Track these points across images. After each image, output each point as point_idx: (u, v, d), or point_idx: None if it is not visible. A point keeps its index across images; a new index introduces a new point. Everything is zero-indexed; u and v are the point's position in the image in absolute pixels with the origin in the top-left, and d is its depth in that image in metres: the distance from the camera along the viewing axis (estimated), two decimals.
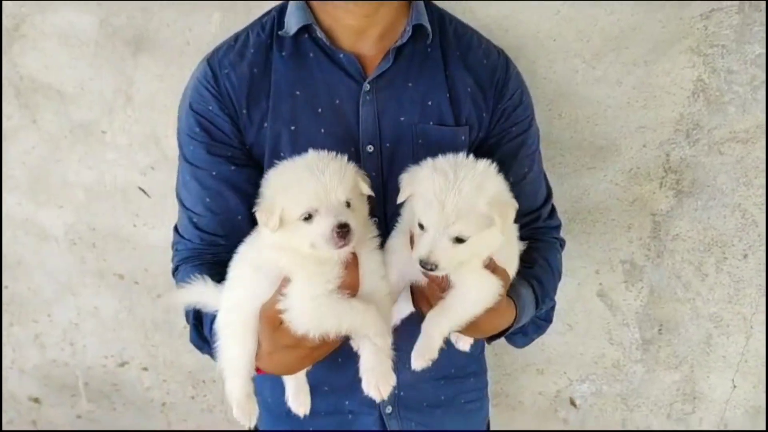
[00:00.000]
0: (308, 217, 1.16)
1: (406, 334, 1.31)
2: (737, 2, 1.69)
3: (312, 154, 1.22)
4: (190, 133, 1.42)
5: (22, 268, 2.34)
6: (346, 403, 1.53)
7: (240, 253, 1.31)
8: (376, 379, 1.23)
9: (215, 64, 1.40)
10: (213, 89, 1.39)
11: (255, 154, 1.41)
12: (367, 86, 1.39)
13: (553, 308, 1.57)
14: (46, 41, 1.97)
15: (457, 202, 1.12)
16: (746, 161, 1.82)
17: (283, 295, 1.20)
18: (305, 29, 1.40)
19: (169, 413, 2.55)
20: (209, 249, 1.44)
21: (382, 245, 1.31)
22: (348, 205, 1.19)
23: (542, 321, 1.57)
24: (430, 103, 1.42)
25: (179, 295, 1.37)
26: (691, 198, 1.89)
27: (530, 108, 1.54)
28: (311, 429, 1.56)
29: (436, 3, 1.52)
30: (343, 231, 1.14)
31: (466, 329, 1.28)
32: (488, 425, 1.78)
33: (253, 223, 1.28)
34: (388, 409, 1.53)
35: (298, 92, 1.39)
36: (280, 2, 1.46)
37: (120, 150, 2.08)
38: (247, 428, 1.34)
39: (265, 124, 1.38)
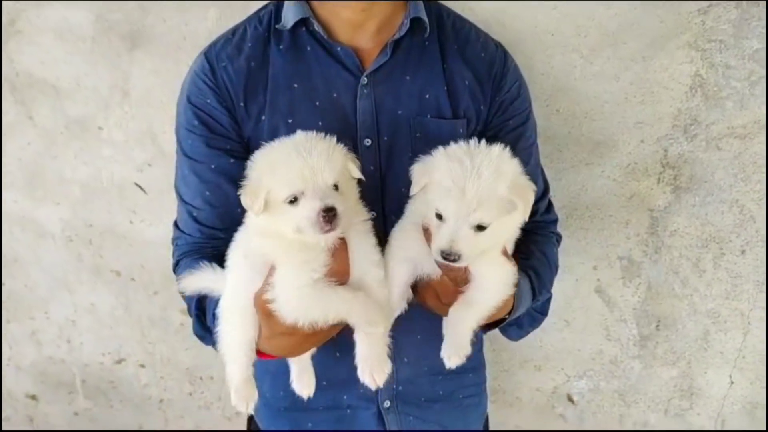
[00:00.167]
0: (294, 200, 1.13)
1: (403, 329, 1.31)
2: None
3: (300, 135, 1.19)
4: (188, 126, 1.41)
5: (18, 265, 2.34)
6: (345, 397, 1.53)
7: (236, 239, 1.31)
8: (371, 367, 1.22)
9: (213, 57, 1.40)
10: (210, 82, 1.39)
11: (252, 148, 1.40)
12: (364, 80, 1.39)
13: (549, 300, 1.57)
14: (42, 37, 1.96)
15: (478, 188, 1.09)
16: (744, 157, 1.82)
17: (269, 285, 1.18)
18: (302, 23, 1.39)
19: (167, 410, 2.55)
20: (209, 242, 1.44)
21: (385, 238, 1.30)
22: (336, 188, 1.15)
23: (538, 313, 1.57)
24: (427, 96, 1.42)
25: (190, 281, 1.36)
26: (688, 194, 1.89)
27: (528, 101, 1.54)
28: (310, 424, 1.56)
29: None
30: (329, 215, 1.11)
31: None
32: (487, 420, 1.78)
33: None
34: (387, 404, 1.53)
35: (295, 85, 1.39)
36: None
37: (116, 146, 2.07)
38: (244, 413, 1.32)
39: (263, 118, 1.38)
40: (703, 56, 1.75)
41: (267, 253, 1.20)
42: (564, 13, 1.75)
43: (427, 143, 1.31)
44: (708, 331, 2.05)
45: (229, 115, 1.39)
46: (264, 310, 1.20)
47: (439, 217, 1.14)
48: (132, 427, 2.60)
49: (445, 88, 1.42)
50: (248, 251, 1.25)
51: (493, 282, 1.22)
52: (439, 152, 1.18)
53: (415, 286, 1.31)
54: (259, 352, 1.31)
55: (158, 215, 2.14)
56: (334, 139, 1.19)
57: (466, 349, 1.23)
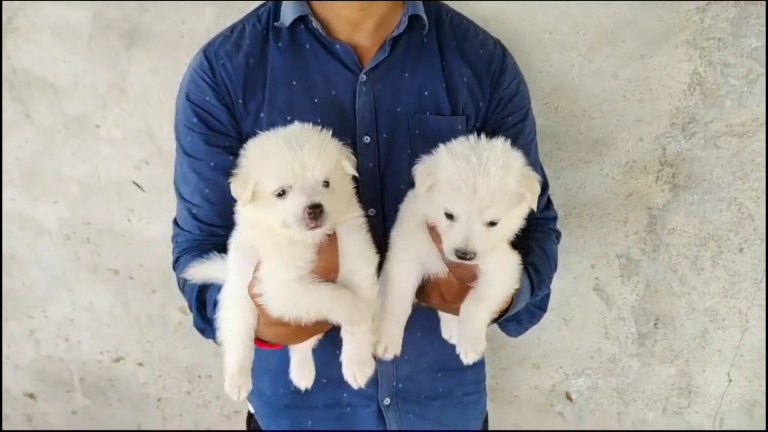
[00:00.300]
0: (282, 193, 1.12)
1: (404, 328, 1.31)
2: None
3: (295, 127, 1.17)
4: (187, 123, 1.41)
5: (16, 263, 2.33)
6: (344, 395, 1.53)
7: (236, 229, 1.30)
8: (353, 367, 1.21)
9: (211, 54, 1.40)
10: (209, 79, 1.39)
11: None
12: (363, 77, 1.39)
13: (547, 296, 1.57)
14: (40, 34, 1.95)
15: (489, 184, 1.09)
16: (742, 155, 1.82)
17: (256, 279, 1.18)
18: (301, 20, 1.39)
19: (165, 409, 2.55)
20: (209, 239, 1.44)
21: (384, 235, 1.30)
22: (327, 184, 1.13)
23: (537, 309, 1.57)
24: (426, 93, 1.41)
25: (198, 270, 1.36)
26: (687, 192, 1.89)
27: (527, 98, 1.54)
28: (310, 421, 1.56)
29: None
30: (315, 212, 1.09)
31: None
32: (486, 418, 1.78)
33: None
34: (387, 401, 1.53)
35: (294, 82, 1.39)
36: None
37: (114, 144, 2.07)
38: (243, 412, 1.32)
39: (261, 115, 1.38)
40: (701, 54, 1.75)
41: (254, 245, 1.19)
42: (562, 11, 1.75)
43: (426, 140, 1.31)
44: (706, 329, 2.05)
45: (228, 113, 1.39)
46: (256, 301, 1.20)
47: (449, 216, 1.13)
48: (130, 425, 2.60)
49: (444, 85, 1.42)
50: (239, 242, 1.24)
51: (501, 275, 1.22)
52: (442, 151, 1.17)
53: (421, 286, 1.31)
54: (261, 341, 1.31)
55: (156, 213, 2.14)
56: (330, 133, 1.18)
57: (483, 345, 1.23)
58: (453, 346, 1.46)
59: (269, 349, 1.35)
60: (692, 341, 2.08)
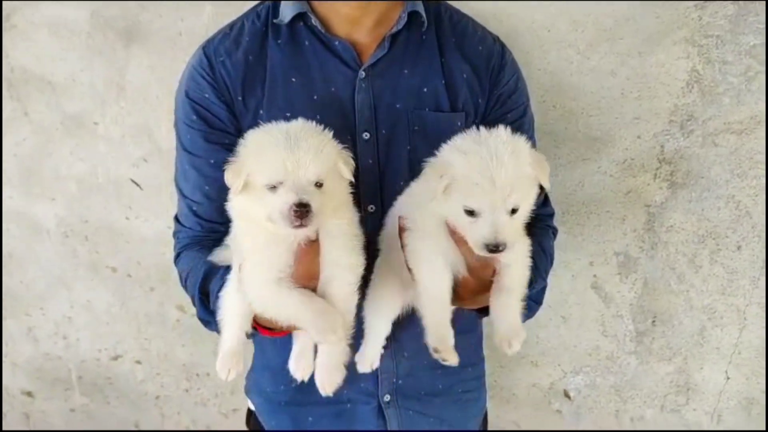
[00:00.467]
0: (274, 188, 1.12)
1: (404, 325, 1.31)
2: None
3: (297, 123, 1.17)
4: (187, 121, 1.42)
5: (14, 261, 2.33)
6: (345, 392, 1.52)
7: None
8: (323, 375, 1.23)
9: (211, 51, 1.41)
10: (209, 77, 1.39)
11: None
12: (362, 73, 1.39)
13: (543, 290, 1.57)
14: (37, 32, 1.95)
15: (506, 173, 1.08)
16: (740, 152, 1.82)
17: (239, 276, 1.19)
18: (300, 17, 1.40)
19: (163, 406, 2.54)
20: (210, 236, 1.45)
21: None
22: (320, 185, 1.12)
23: (533, 302, 1.56)
24: (425, 89, 1.42)
25: (221, 254, 1.37)
26: (685, 189, 1.90)
27: (526, 95, 1.54)
28: (310, 418, 1.56)
29: None
30: (301, 210, 1.08)
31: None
32: (486, 415, 1.78)
33: None
34: (387, 398, 1.53)
35: (293, 79, 1.39)
36: None
37: (112, 142, 2.07)
38: (224, 379, 1.32)
39: (261, 112, 1.38)
40: (699, 52, 1.75)
41: (239, 235, 1.20)
42: (560, 8, 1.75)
43: (425, 137, 1.31)
44: (704, 326, 2.05)
45: (227, 110, 1.39)
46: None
47: (470, 213, 1.12)
48: (128, 423, 2.60)
49: (443, 81, 1.42)
50: (233, 235, 1.25)
51: (521, 259, 1.22)
52: (448, 150, 1.16)
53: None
54: (263, 329, 1.31)
55: (154, 211, 2.14)
56: (331, 134, 1.18)
57: (523, 332, 1.22)
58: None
59: (271, 337, 1.34)
60: (690, 339, 2.08)
